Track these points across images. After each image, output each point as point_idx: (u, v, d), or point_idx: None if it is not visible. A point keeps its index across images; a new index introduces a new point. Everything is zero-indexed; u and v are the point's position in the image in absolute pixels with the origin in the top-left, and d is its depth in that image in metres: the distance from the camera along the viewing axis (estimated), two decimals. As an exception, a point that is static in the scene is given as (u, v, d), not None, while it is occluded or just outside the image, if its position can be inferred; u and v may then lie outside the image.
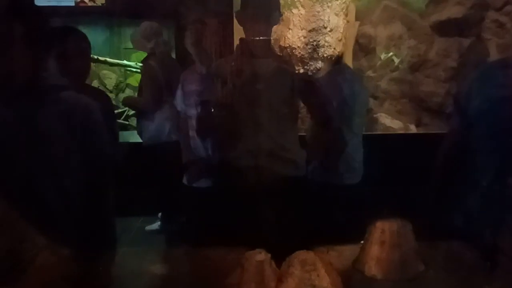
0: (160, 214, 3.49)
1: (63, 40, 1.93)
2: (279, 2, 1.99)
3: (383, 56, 3.72)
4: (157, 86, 3.11)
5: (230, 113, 1.89)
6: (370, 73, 3.75)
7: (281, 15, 1.99)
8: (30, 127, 1.35)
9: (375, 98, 3.74)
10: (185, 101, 2.46)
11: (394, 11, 3.70)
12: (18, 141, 1.34)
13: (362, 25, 3.63)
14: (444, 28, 3.58)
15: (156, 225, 3.47)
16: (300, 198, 1.96)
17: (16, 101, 1.35)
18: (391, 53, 3.71)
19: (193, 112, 2.42)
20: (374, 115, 3.70)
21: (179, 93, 2.52)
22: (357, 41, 3.63)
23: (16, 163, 1.33)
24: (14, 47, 1.31)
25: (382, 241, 1.32)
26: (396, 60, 3.70)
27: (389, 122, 3.65)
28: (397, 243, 1.31)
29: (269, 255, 1.08)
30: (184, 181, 2.58)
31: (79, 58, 2.02)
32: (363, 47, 3.70)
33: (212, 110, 1.90)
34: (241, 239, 1.44)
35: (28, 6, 1.38)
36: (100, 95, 2.29)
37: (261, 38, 1.83)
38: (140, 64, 3.69)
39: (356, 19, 3.48)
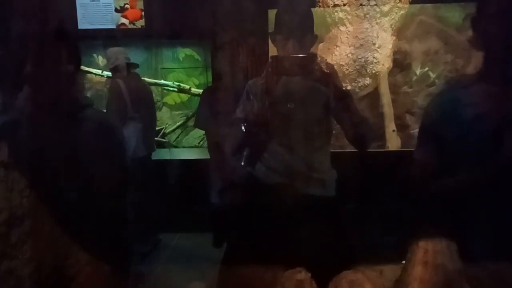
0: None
1: None
2: (313, 23, 1.97)
3: (418, 71, 3.66)
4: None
5: (259, 132, 1.88)
6: (406, 88, 3.69)
7: (316, 37, 1.97)
8: (66, 146, 1.39)
9: (412, 114, 3.67)
10: (212, 119, 2.47)
11: (429, 26, 3.64)
12: (55, 158, 1.38)
13: (397, 41, 3.59)
14: (483, 42, 3.50)
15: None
16: (327, 218, 1.90)
17: (59, 121, 1.40)
18: (426, 68, 3.64)
19: (222, 130, 2.42)
20: (411, 131, 3.63)
21: (203, 111, 2.52)
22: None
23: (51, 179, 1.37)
24: (58, 68, 1.36)
25: (425, 262, 1.27)
26: (432, 75, 3.64)
27: (426, 138, 3.56)
28: (441, 263, 1.26)
29: (309, 274, 1.06)
30: (214, 199, 2.58)
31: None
32: (398, 62, 3.65)
33: (243, 128, 1.89)
34: (275, 258, 1.42)
35: (72, 30, 1.43)
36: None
37: (292, 55, 1.81)
38: (177, 83, 3.79)
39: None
